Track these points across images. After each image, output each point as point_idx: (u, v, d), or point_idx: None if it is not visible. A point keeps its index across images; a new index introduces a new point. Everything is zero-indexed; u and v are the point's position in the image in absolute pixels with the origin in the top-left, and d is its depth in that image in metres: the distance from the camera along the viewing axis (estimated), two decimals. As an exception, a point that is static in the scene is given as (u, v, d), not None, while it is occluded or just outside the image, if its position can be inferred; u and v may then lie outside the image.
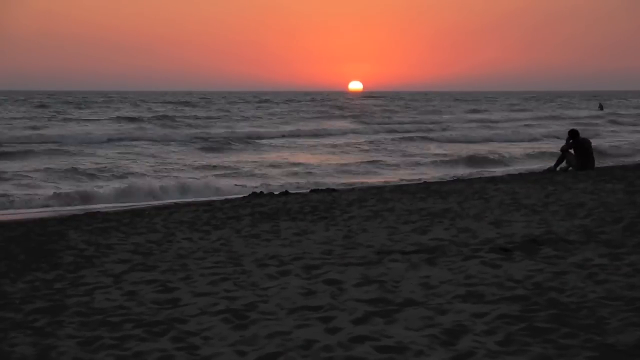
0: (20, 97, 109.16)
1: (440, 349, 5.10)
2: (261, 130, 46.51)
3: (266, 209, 13.37)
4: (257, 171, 25.25)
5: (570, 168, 18.89)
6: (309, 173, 24.80)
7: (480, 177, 19.83)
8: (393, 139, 38.99)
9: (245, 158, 30.21)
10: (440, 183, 17.99)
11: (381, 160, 28.85)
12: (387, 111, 76.75)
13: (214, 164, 27.03)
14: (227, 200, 15.81)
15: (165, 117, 56.10)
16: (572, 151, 19.11)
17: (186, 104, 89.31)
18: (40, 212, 15.83)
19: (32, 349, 5.54)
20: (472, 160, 28.10)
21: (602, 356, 4.82)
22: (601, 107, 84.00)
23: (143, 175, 23.31)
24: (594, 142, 21.14)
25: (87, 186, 20.33)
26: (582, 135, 19.89)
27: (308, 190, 18.11)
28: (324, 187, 18.76)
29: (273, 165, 26.97)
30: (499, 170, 23.99)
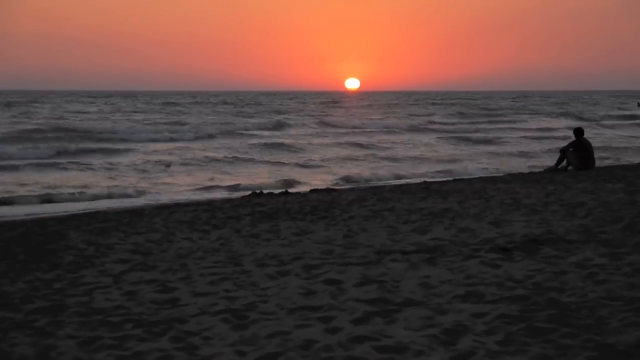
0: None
1: (440, 349, 5.10)
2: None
3: (266, 208, 13.36)
4: None
5: (570, 167, 18.89)
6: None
7: (480, 177, 19.82)
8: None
9: None
10: (441, 183, 17.98)
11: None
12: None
13: None
14: (227, 200, 15.81)
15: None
16: (572, 150, 19.11)
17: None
18: (41, 212, 15.82)
19: (32, 349, 5.53)
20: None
21: (602, 356, 4.82)
22: None
23: None
24: None
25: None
26: None
27: (308, 190, 18.11)
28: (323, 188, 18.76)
29: None
30: None
